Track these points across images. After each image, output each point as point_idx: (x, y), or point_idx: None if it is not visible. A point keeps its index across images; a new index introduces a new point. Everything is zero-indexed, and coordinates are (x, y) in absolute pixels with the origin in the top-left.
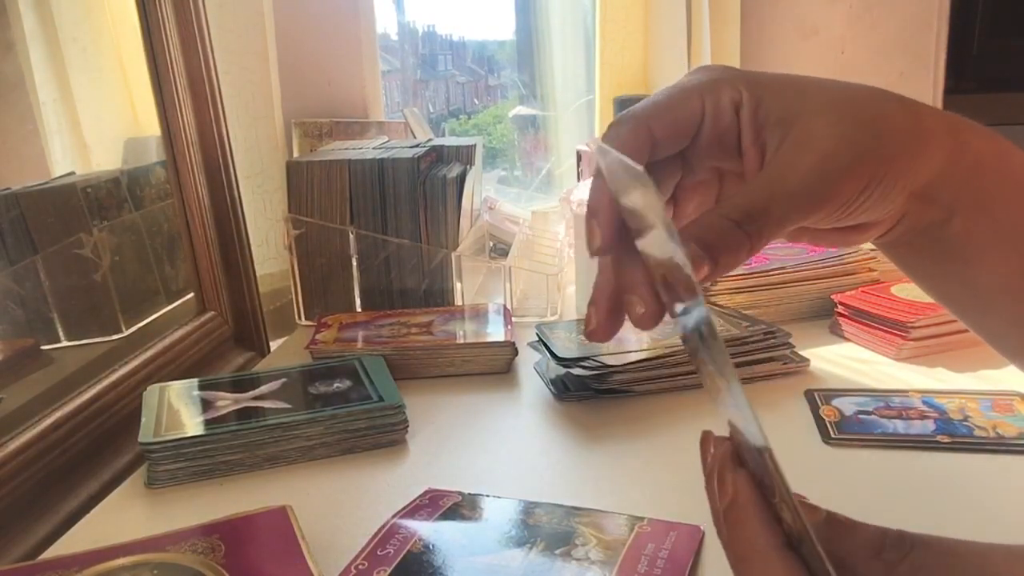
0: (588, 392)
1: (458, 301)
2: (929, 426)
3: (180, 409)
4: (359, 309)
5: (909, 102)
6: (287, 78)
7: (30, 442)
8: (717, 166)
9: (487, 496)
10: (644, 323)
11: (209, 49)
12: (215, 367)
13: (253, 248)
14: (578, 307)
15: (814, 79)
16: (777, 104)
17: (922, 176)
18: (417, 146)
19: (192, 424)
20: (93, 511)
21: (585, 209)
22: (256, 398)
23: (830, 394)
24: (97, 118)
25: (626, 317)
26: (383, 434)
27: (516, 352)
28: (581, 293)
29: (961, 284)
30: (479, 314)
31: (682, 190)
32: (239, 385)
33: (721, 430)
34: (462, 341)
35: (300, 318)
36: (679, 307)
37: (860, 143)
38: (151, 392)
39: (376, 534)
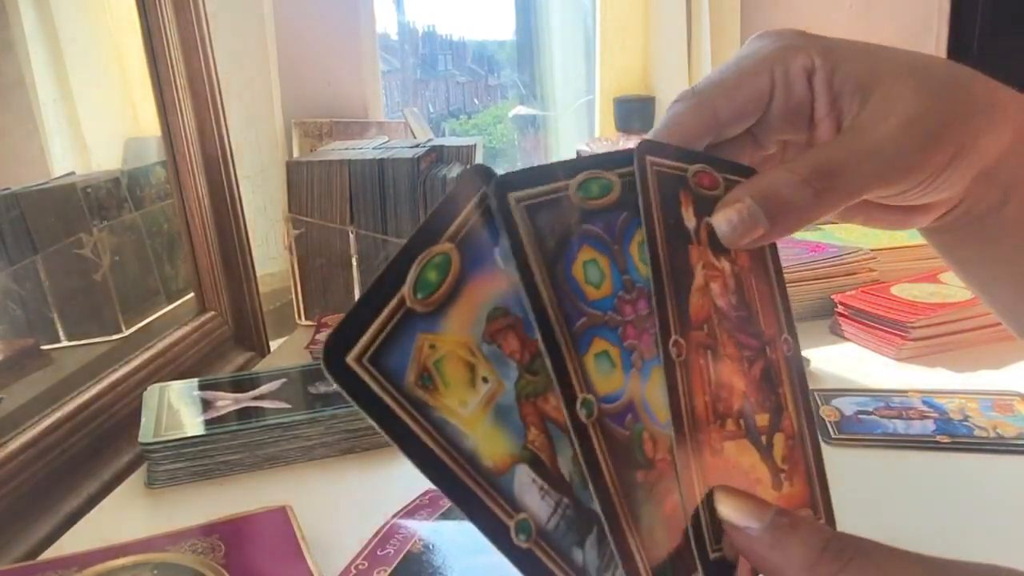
0: None
1: None
2: (929, 426)
3: (180, 409)
4: None
5: (981, 74)
6: (287, 78)
7: (30, 442)
8: (786, 139)
9: None
10: None
11: (209, 49)
12: (215, 367)
13: (253, 248)
14: None
15: (883, 46)
16: (855, 69)
17: (992, 153)
18: (417, 146)
19: (192, 424)
20: (93, 511)
21: None
22: (256, 398)
23: (830, 394)
24: (97, 118)
25: None
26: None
27: None
28: None
29: (1008, 272)
30: None
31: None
32: (239, 385)
33: None
34: None
35: (300, 318)
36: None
37: (947, 109)
38: (151, 392)
39: (376, 534)
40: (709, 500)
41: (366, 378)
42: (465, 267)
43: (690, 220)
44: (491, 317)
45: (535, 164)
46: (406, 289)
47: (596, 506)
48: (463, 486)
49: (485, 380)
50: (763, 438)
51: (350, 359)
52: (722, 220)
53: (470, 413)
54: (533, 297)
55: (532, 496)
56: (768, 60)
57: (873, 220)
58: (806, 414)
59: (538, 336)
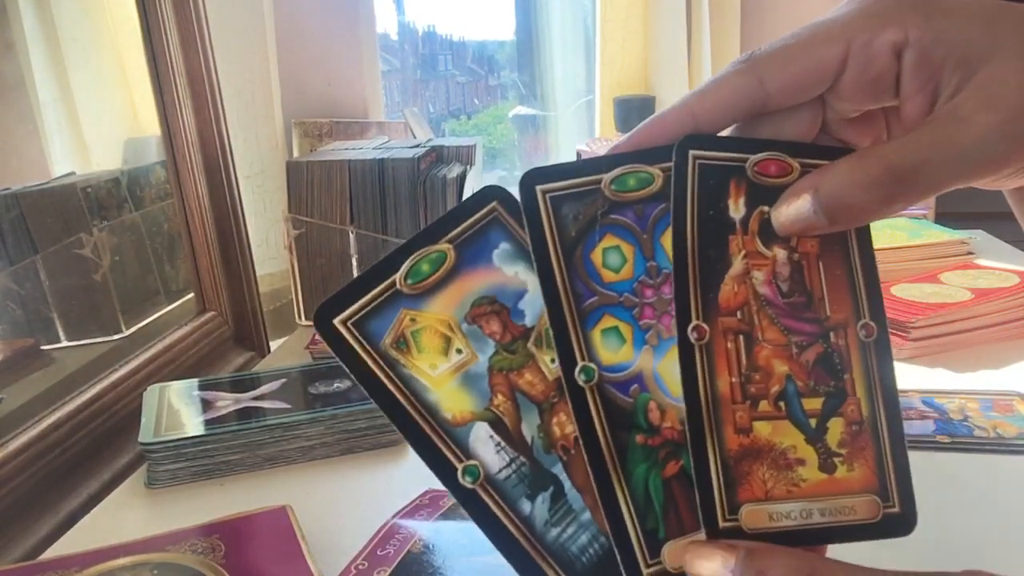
0: None
1: None
2: (929, 426)
3: (180, 409)
4: None
5: None
6: (287, 78)
7: (30, 442)
8: (868, 109)
9: None
10: None
11: (209, 49)
12: (215, 367)
13: (253, 248)
14: None
15: (1006, 5)
16: (962, 36)
17: None
18: (417, 146)
19: (192, 424)
20: (93, 511)
21: None
22: (256, 398)
23: None
24: (97, 118)
25: None
26: (383, 434)
27: None
28: None
29: None
30: None
31: (836, 130)
32: (239, 385)
33: None
34: None
35: (300, 318)
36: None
37: None
38: (151, 392)
39: (376, 534)
40: (725, 472)
41: (348, 337)
42: (460, 264)
43: (737, 211)
44: (477, 303)
45: (535, 164)
46: (398, 276)
47: (559, 468)
48: (419, 430)
49: (459, 351)
50: (812, 421)
51: (337, 321)
52: (780, 213)
53: (438, 375)
54: (544, 276)
55: (487, 449)
56: (847, 28)
57: None
58: (884, 402)
59: (545, 310)
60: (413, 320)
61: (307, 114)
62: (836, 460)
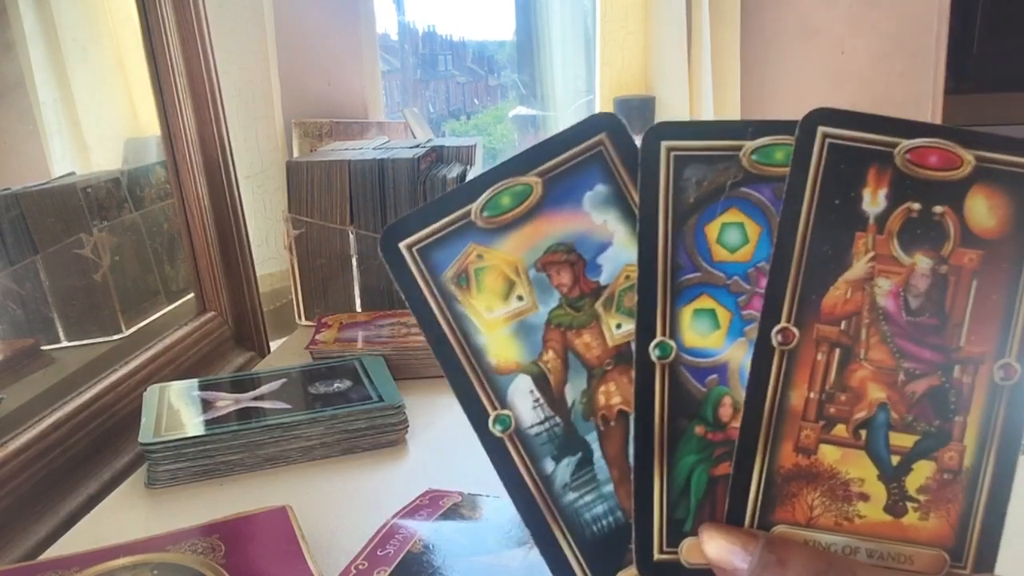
0: None
1: None
2: None
3: (180, 409)
4: (359, 309)
5: None
6: (287, 78)
7: (30, 442)
8: None
9: (487, 496)
10: None
11: (209, 49)
12: (215, 367)
13: (253, 248)
14: None
15: None
16: None
17: None
18: (417, 146)
19: (192, 424)
20: (93, 511)
21: None
22: (256, 398)
23: None
24: (97, 118)
25: None
26: (383, 434)
27: None
28: None
29: None
30: None
31: None
32: (239, 385)
33: None
34: None
35: (300, 318)
36: None
37: None
38: (151, 392)
39: (376, 534)
40: (767, 488)
41: (410, 262)
42: (545, 201)
43: (875, 203)
44: (552, 249)
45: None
46: (475, 206)
47: (593, 437)
48: (461, 370)
49: (520, 298)
50: (894, 458)
51: (403, 245)
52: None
53: (492, 318)
54: (645, 238)
55: (524, 402)
56: None
57: None
58: (999, 456)
59: (626, 270)
60: (480, 257)
61: (307, 114)
62: (910, 505)
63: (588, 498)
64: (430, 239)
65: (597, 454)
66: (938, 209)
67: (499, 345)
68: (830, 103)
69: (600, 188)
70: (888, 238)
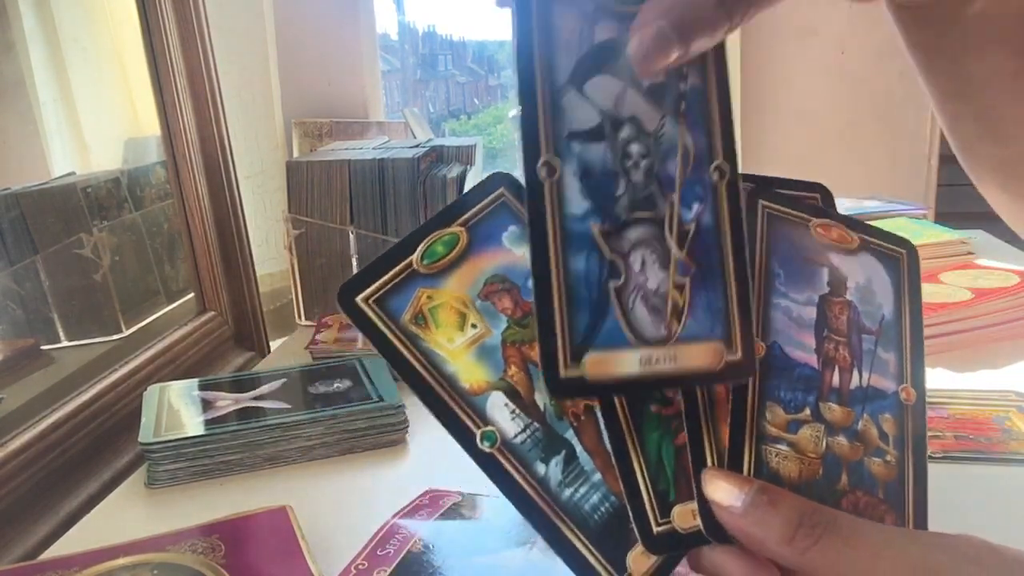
0: None
1: None
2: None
3: (180, 409)
4: None
5: None
6: (287, 78)
7: (30, 442)
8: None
9: (487, 496)
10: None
11: (209, 49)
12: (215, 367)
13: (253, 248)
14: None
15: None
16: None
17: None
18: (417, 146)
19: (192, 424)
20: (93, 511)
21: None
22: (256, 398)
23: None
24: (97, 118)
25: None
26: (383, 434)
27: None
28: None
29: (954, 72)
30: None
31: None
32: (239, 385)
33: None
34: None
35: (300, 318)
36: None
37: None
38: (151, 392)
39: (376, 534)
40: (718, 443)
41: (370, 314)
42: (472, 245)
43: None
44: (489, 281)
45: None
46: (415, 257)
47: (571, 434)
48: (440, 399)
49: (474, 326)
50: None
51: (359, 299)
52: (634, 45)
53: (455, 347)
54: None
55: (502, 416)
56: None
57: None
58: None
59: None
60: (430, 298)
61: (307, 114)
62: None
63: (583, 491)
64: (382, 290)
65: (579, 448)
66: None
67: (467, 370)
68: (830, 103)
69: (513, 228)
70: None
